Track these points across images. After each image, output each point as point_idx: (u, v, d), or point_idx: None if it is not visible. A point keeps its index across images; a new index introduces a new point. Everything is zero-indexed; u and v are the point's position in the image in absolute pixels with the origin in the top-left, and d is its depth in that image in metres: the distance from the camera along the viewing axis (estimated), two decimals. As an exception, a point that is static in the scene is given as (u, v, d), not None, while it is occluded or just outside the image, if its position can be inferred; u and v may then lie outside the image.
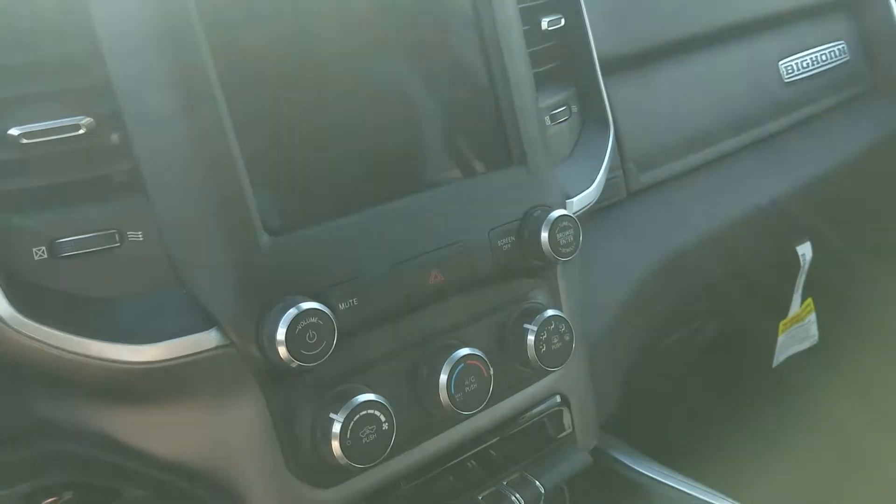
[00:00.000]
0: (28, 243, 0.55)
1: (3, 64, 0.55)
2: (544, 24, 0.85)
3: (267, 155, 0.61)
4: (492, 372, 0.68)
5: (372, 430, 0.60)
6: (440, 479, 0.72)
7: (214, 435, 0.61)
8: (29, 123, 0.55)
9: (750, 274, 1.22)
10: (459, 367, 0.66)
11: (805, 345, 1.40)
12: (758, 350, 1.36)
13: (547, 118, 0.85)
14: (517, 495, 0.73)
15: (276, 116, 0.62)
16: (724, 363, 1.32)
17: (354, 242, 0.64)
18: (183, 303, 0.58)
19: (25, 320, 0.53)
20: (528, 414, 0.78)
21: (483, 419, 0.73)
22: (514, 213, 0.72)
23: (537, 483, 0.75)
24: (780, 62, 1.21)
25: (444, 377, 0.66)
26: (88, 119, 0.57)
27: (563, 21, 0.87)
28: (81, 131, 0.56)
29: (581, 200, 0.82)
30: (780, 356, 1.37)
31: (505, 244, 0.71)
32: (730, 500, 0.81)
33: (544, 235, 0.71)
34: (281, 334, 0.57)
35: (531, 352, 0.71)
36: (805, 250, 1.28)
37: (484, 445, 0.75)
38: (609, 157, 0.88)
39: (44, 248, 0.56)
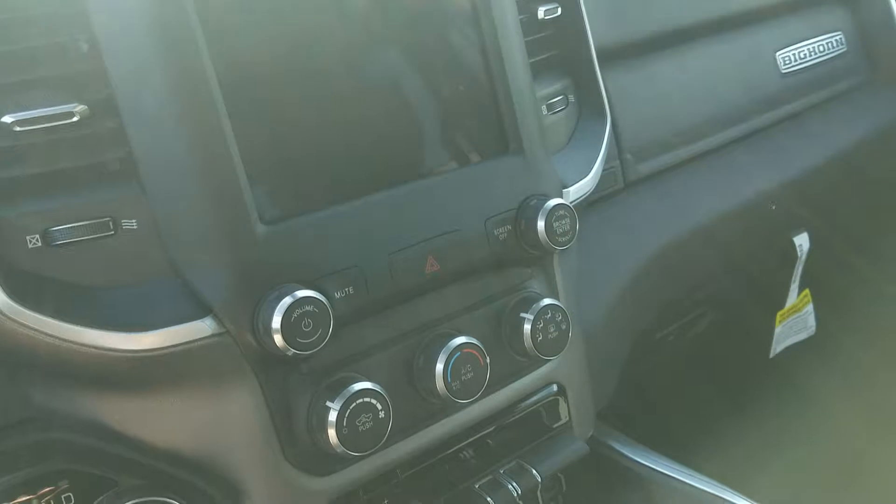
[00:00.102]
0: (22, 231, 0.55)
1: (-4, 51, 0.55)
2: (541, 13, 0.85)
3: (262, 144, 0.60)
4: (488, 361, 0.68)
5: (368, 418, 0.60)
6: (437, 468, 0.73)
7: (210, 423, 0.61)
8: (22, 111, 0.55)
9: (747, 265, 1.22)
10: (456, 355, 0.66)
11: (802, 335, 1.40)
12: (755, 341, 1.36)
13: (544, 107, 0.85)
14: (514, 483, 0.73)
15: (272, 105, 0.61)
16: (722, 354, 1.32)
17: (350, 231, 0.64)
18: (178, 291, 0.58)
19: (20, 308, 0.53)
20: (524, 403, 0.78)
21: (480, 408, 0.73)
22: (510, 202, 0.72)
23: (534, 471, 0.75)
24: (777, 53, 1.20)
25: (440, 366, 0.66)
26: (82, 106, 0.56)
27: (559, 10, 0.87)
28: (75, 119, 0.56)
29: (578, 190, 0.82)
30: (777, 347, 1.37)
31: (501, 233, 0.71)
32: (726, 488, 0.82)
33: (541, 224, 0.71)
34: (276, 322, 0.57)
35: (528, 341, 0.71)
36: (802, 241, 1.28)
37: (480, 434, 0.75)
38: (606, 147, 0.88)
39: (38, 236, 0.56)
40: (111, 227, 0.57)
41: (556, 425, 0.81)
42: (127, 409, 0.60)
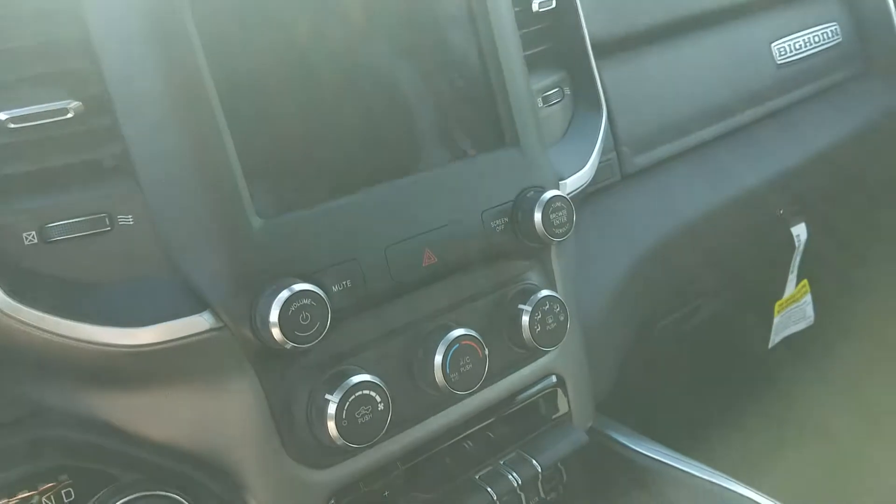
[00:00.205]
0: (18, 228, 0.55)
1: (-11, 48, 0.55)
2: (535, 5, 0.85)
3: (258, 138, 0.60)
4: (487, 352, 0.68)
5: (367, 410, 0.61)
6: (437, 460, 0.73)
7: (210, 418, 0.61)
8: (16, 108, 0.55)
9: (746, 255, 1.23)
10: (454, 347, 0.66)
11: (801, 325, 1.41)
12: (754, 331, 1.36)
13: (539, 100, 0.85)
14: (514, 474, 0.74)
15: (268, 99, 0.61)
16: (721, 344, 1.32)
17: (347, 225, 0.64)
18: (175, 286, 0.58)
19: (17, 305, 0.53)
20: (523, 394, 0.78)
21: (479, 400, 0.73)
22: (507, 195, 0.72)
23: (534, 461, 0.75)
24: (773, 44, 1.20)
25: (439, 357, 0.66)
26: (76, 103, 0.56)
27: (554, 3, 0.87)
28: (69, 115, 0.56)
29: (574, 181, 0.82)
30: (775, 337, 1.37)
31: (498, 225, 0.71)
32: (726, 477, 0.82)
33: (537, 216, 0.71)
34: (274, 316, 0.57)
35: (526, 332, 0.71)
36: (800, 231, 1.28)
37: (480, 426, 0.75)
38: (602, 139, 0.88)
39: (34, 232, 0.56)
40: (107, 223, 0.57)
41: (555, 416, 0.81)
42: (126, 404, 0.60)
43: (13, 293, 0.53)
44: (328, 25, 0.65)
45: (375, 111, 0.67)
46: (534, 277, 0.77)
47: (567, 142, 0.87)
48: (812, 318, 1.42)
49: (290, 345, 0.57)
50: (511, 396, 0.77)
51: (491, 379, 0.71)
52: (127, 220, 0.58)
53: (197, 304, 0.58)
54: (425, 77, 0.70)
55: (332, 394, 0.60)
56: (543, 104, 0.86)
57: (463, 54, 0.72)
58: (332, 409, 0.60)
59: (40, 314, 0.54)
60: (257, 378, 0.61)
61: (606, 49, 0.97)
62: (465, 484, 0.73)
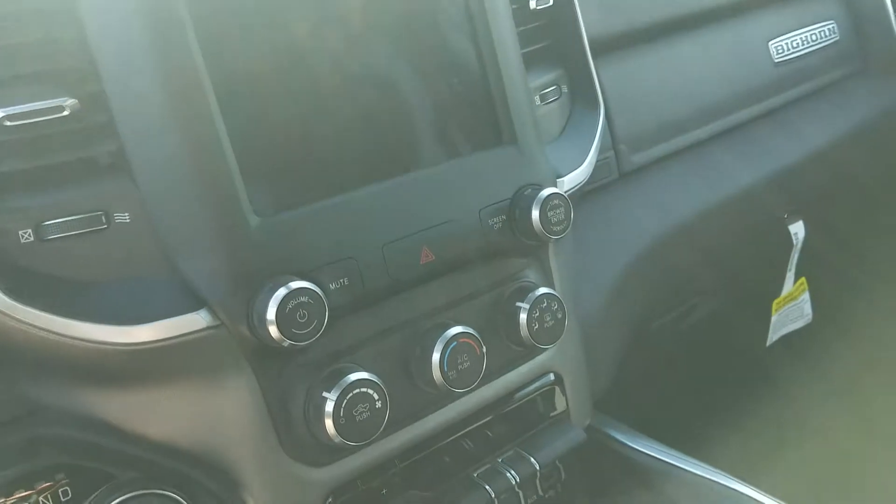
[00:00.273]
0: (14, 226, 0.55)
1: (-16, 46, 0.55)
2: (533, 3, 0.85)
3: (255, 136, 0.60)
4: (485, 350, 0.68)
5: (365, 408, 0.61)
6: (435, 457, 0.73)
7: (207, 416, 0.61)
8: (12, 106, 0.54)
9: (744, 253, 1.23)
10: (452, 345, 0.66)
11: (799, 324, 1.41)
12: (752, 329, 1.36)
13: (537, 98, 0.85)
14: (512, 472, 0.74)
15: (264, 97, 0.61)
16: (719, 343, 1.32)
17: (345, 222, 0.63)
18: (172, 284, 0.58)
19: (13, 303, 0.53)
20: (521, 392, 0.78)
21: (477, 398, 0.73)
22: (504, 192, 0.72)
23: (532, 459, 0.75)
24: (770, 42, 1.21)
25: (436, 355, 0.66)
26: (72, 100, 0.56)
27: (551, 0, 0.87)
28: (65, 112, 0.56)
29: (572, 179, 0.82)
30: (773, 335, 1.37)
31: (496, 223, 0.71)
32: (725, 475, 0.82)
33: (535, 214, 0.71)
34: (271, 314, 0.57)
35: (524, 330, 0.71)
36: (798, 229, 1.28)
37: (478, 423, 0.75)
38: (599, 137, 0.88)
39: (30, 230, 0.56)
40: (104, 220, 0.57)
41: (553, 414, 0.81)
42: (123, 402, 0.60)
43: (9, 291, 0.53)
44: (325, 23, 0.65)
45: (372, 109, 0.67)
46: (531, 275, 0.76)
47: (564, 140, 0.87)
48: (810, 317, 1.42)
49: (287, 343, 0.57)
50: (509, 394, 0.77)
51: (489, 377, 0.71)
52: (123, 217, 0.58)
53: (194, 302, 0.58)
54: (422, 75, 0.70)
55: (329, 392, 0.60)
56: (541, 102, 0.86)
57: (460, 52, 0.72)
58: (329, 406, 0.60)
59: (37, 312, 0.54)
60: (254, 376, 0.61)
61: (604, 47, 0.97)
62: (463, 482, 0.73)
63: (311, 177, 0.63)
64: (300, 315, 0.57)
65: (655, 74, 1.07)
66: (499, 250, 0.73)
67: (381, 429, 0.62)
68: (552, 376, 0.80)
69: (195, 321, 0.58)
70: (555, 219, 0.72)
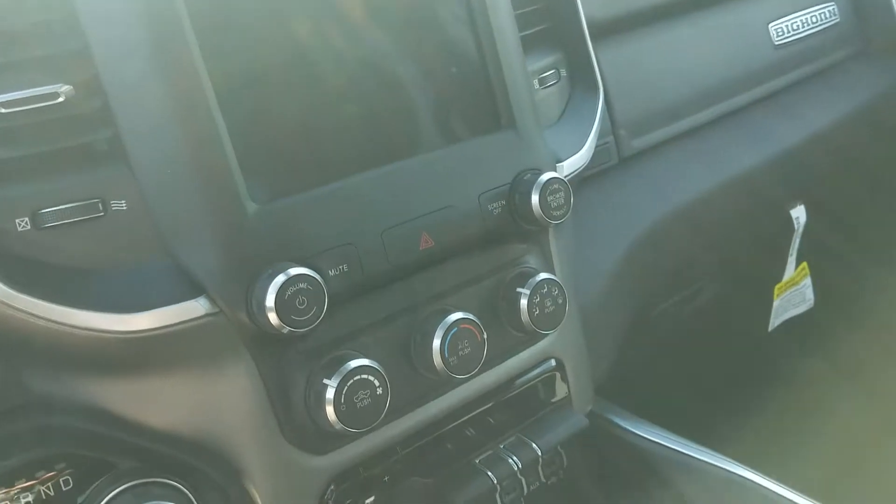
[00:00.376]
0: (11, 214, 0.55)
1: (-23, 32, 0.54)
2: (531, -14, 0.84)
3: (252, 122, 0.60)
4: (485, 336, 0.68)
5: (366, 394, 0.60)
6: (437, 444, 0.73)
7: (207, 404, 0.61)
8: (6, 92, 0.54)
9: (745, 238, 1.22)
10: (453, 331, 0.66)
11: (801, 309, 1.40)
12: (753, 314, 1.36)
13: (535, 82, 0.84)
14: (514, 458, 0.74)
15: (261, 83, 0.61)
16: (720, 328, 1.32)
17: (344, 208, 0.63)
18: (170, 271, 0.58)
19: (11, 292, 0.53)
20: (523, 378, 0.78)
21: (478, 384, 0.73)
22: (504, 177, 0.72)
23: (534, 445, 0.75)
24: (770, 25, 1.20)
25: (437, 341, 0.65)
26: (67, 87, 0.56)
27: (549, -17, 0.86)
28: (61, 99, 0.55)
29: (572, 164, 0.81)
30: (775, 320, 1.37)
31: (495, 208, 0.71)
32: (727, 459, 0.82)
33: (535, 198, 0.71)
34: (270, 300, 0.56)
35: (524, 315, 0.71)
36: (799, 213, 1.28)
37: (480, 410, 0.75)
38: (599, 120, 0.87)
39: (27, 218, 0.55)
40: (100, 208, 0.57)
41: (554, 400, 0.81)
42: (123, 391, 0.60)
43: (7, 280, 0.53)
44: (323, 7, 0.64)
45: (371, 95, 0.66)
46: (532, 260, 0.76)
47: (564, 124, 0.87)
48: (812, 301, 1.42)
49: (286, 329, 0.57)
50: (510, 380, 0.77)
51: (490, 363, 0.71)
52: (120, 205, 0.57)
53: (192, 290, 0.58)
54: (420, 60, 0.69)
55: (330, 378, 0.60)
56: (540, 86, 0.85)
57: (458, 36, 0.72)
58: (330, 393, 0.59)
59: (35, 301, 0.53)
60: (254, 363, 0.61)
61: (603, 30, 0.96)
62: (465, 468, 0.73)
63: (308, 163, 0.63)
64: (299, 302, 0.57)
65: (655, 58, 1.06)
66: (499, 236, 0.73)
67: (383, 415, 0.61)
68: (553, 362, 0.80)
69: (194, 308, 0.57)
70: (554, 203, 0.71)
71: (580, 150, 0.83)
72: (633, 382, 0.99)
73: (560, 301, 0.73)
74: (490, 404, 0.76)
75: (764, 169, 1.15)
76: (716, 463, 0.81)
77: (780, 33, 1.20)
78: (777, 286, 1.34)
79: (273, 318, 0.57)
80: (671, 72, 1.07)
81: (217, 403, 0.61)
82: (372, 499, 0.69)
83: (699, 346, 1.29)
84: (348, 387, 0.60)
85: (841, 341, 1.43)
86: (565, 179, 0.73)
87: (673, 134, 1.07)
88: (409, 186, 0.67)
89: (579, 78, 0.89)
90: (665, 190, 1.05)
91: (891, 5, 1.30)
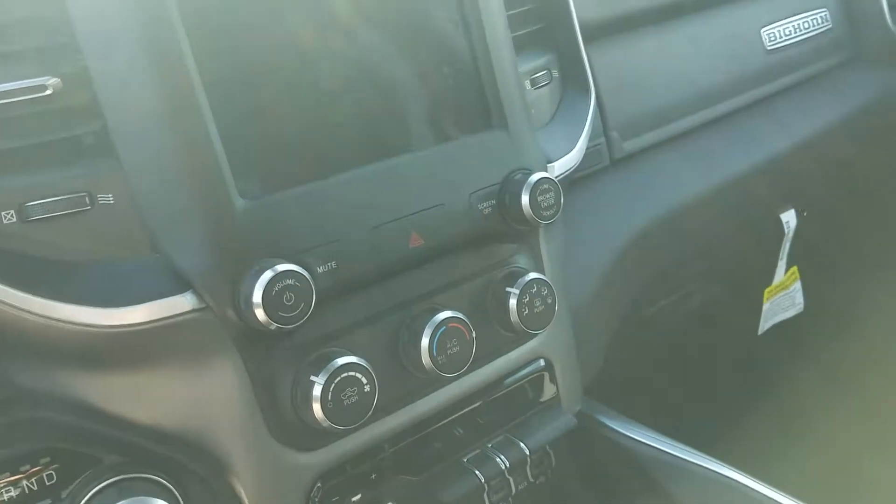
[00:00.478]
0: None
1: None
2: (523, -14, 0.85)
3: (241, 118, 0.60)
4: (474, 335, 0.68)
5: (353, 392, 0.60)
6: (425, 443, 0.72)
7: (194, 400, 0.60)
8: None
9: (736, 241, 1.23)
10: (441, 329, 0.66)
11: (790, 313, 1.41)
12: (743, 317, 1.36)
13: (527, 82, 0.84)
14: (502, 457, 0.74)
15: (250, 79, 0.61)
16: (710, 331, 1.32)
17: (333, 205, 0.63)
18: (157, 266, 0.58)
19: (-4, 284, 0.53)
20: (511, 378, 0.78)
21: (467, 383, 0.73)
22: (494, 177, 0.72)
23: (522, 444, 0.75)
24: (763, 30, 1.20)
25: (426, 340, 0.65)
26: (55, 79, 0.55)
27: (542, -16, 0.86)
28: (48, 92, 0.55)
29: (563, 164, 0.81)
30: (765, 324, 1.37)
31: (486, 208, 0.71)
32: (715, 461, 0.82)
33: (525, 198, 0.71)
34: (257, 296, 0.56)
35: (513, 315, 0.71)
36: (789, 218, 1.28)
37: (468, 409, 0.75)
38: (591, 122, 0.87)
39: (13, 211, 0.55)
40: (87, 201, 0.57)
41: (543, 400, 0.81)
42: (109, 386, 0.59)
43: (-8, 273, 0.53)
44: (314, 7, 0.64)
45: (361, 92, 0.66)
46: (522, 260, 0.76)
47: (555, 125, 0.87)
48: (802, 306, 1.42)
49: (274, 326, 0.57)
50: (499, 380, 0.77)
51: (478, 362, 0.71)
52: (107, 198, 0.57)
53: (179, 285, 0.57)
54: (411, 58, 0.69)
55: (317, 375, 0.60)
56: (531, 86, 0.85)
57: (450, 35, 0.72)
58: (317, 390, 0.59)
59: (20, 293, 0.53)
60: (241, 360, 0.60)
61: (596, 32, 0.97)
62: (452, 467, 0.73)
63: (298, 159, 0.63)
64: (287, 298, 0.57)
65: (648, 61, 1.07)
66: (488, 235, 0.73)
67: (370, 413, 0.61)
68: (542, 362, 0.80)
69: (180, 304, 0.57)
70: (545, 203, 0.72)
71: (571, 150, 0.83)
72: (622, 383, 0.99)
73: (549, 301, 0.73)
74: (478, 403, 0.76)
75: (755, 173, 1.15)
76: (703, 464, 0.81)
77: (773, 38, 1.21)
78: (767, 290, 1.35)
79: (260, 314, 0.56)
80: (664, 75, 1.08)
81: (203, 399, 0.61)
82: (359, 497, 0.69)
83: (689, 348, 1.29)
84: (335, 384, 0.59)
85: (830, 345, 1.43)
86: (556, 180, 0.73)
87: (665, 137, 1.07)
88: (398, 184, 0.67)
89: (571, 79, 0.90)
90: (656, 193, 1.05)
91: (883, 13, 1.31)
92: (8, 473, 0.57)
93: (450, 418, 0.74)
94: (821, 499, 0.74)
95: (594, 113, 0.89)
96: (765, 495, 0.76)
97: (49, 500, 0.58)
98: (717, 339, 1.35)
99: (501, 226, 0.72)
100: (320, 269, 0.61)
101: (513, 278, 0.72)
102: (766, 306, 1.36)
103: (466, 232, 0.70)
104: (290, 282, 0.57)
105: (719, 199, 1.11)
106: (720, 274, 1.27)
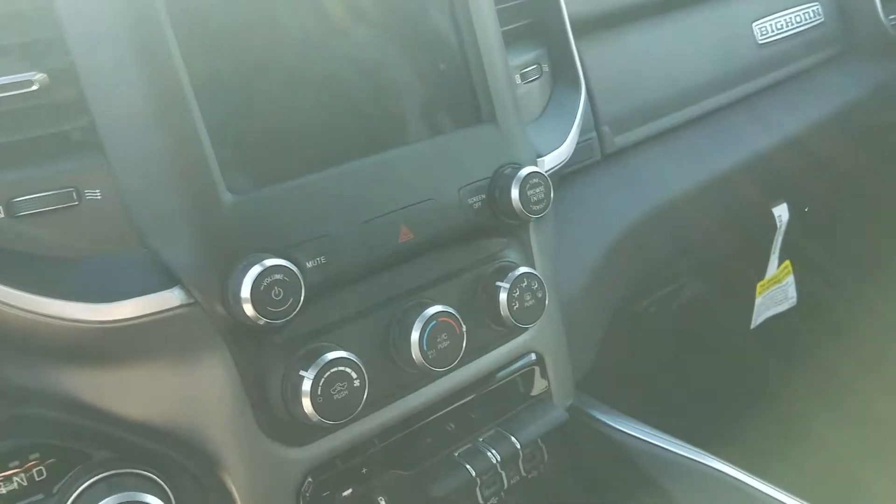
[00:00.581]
0: None
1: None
2: (512, -20, 0.84)
3: (228, 112, 0.60)
4: (464, 329, 0.68)
5: (343, 386, 0.60)
6: (416, 437, 0.72)
7: (183, 395, 0.60)
8: None
9: (728, 235, 1.23)
10: (431, 324, 0.66)
11: (783, 306, 1.41)
12: (736, 312, 1.37)
13: (517, 77, 0.84)
14: (493, 451, 0.74)
15: (238, 73, 0.61)
16: (703, 325, 1.33)
17: (322, 200, 0.63)
18: (145, 261, 0.58)
19: (-17, 281, 0.52)
20: (502, 372, 0.78)
21: (457, 377, 0.73)
22: (484, 171, 0.72)
23: (513, 438, 0.75)
24: (754, 23, 1.20)
25: (416, 334, 0.65)
26: (41, 75, 0.55)
27: (531, -22, 0.86)
28: (35, 87, 0.55)
29: (553, 159, 0.81)
30: (757, 318, 1.38)
31: (475, 202, 0.71)
32: (706, 454, 0.82)
33: (514, 192, 0.71)
34: (246, 291, 0.56)
35: (504, 309, 0.71)
36: (781, 212, 1.28)
37: (459, 403, 0.75)
38: (581, 116, 0.87)
39: (0, 207, 0.55)
40: (75, 197, 0.56)
41: (534, 394, 0.81)
42: (99, 382, 0.59)
43: (-21, 269, 0.53)
44: (303, 2, 0.64)
45: (350, 86, 0.66)
46: (512, 255, 0.76)
47: (545, 119, 0.87)
48: (794, 300, 1.43)
49: (262, 321, 0.57)
50: (490, 374, 0.77)
51: (469, 356, 0.71)
52: (95, 194, 0.57)
53: (167, 280, 0.57)
54: (401, 52, 0.69)
55: (306, 370, 0.60)
56: (521, 81, 0.85)
57: (439, 29, 0.72)
58: (307, 385, 0.59)
59: (8, 289, 0.53)
60: (230, 355, 0.60)
61: (587, 27, 0.97)
62: (443, 461, 0.73)
63: (286, 154, 0.63)
64: (275, 293, 0.57)
65: (640, 55, 1.07)
66: (478, 229, 0.73)
67: (360, 408, 0.61)
68: (533, 356, 0.80)
69: (168, 299, 0.57)
70: (534, 198, 0.72)
71: (561, 145, 0.83)
72: (614, 377, 0.99)
73: (539, 295, 0.73)
74: (469, 398, 0.76)
75: (747, 167, 1.16)
76: (695, 458, 0.82)
77: (765, 32, 1.21)
78: (759, 283, 1.35)
79: (248, 309, 0.56)
80: (655, 69, 1.08)
81: (193, 394, 0.61)
82: (350, 491, 0.69)
83: (681, 342, 1.30)
84: (325, 379, 0.60)
85: (823, 339, 1.44)
86: (545, 174, 0.73)
87: (657, 131, 1.07)
88: (388, 179, 0.67)
89: (562, 74, 0.90)
90: (648, 187, 1.06)
91: (875, 7, 1.31)
92: (-2, 470, 0.57)
93: (441, 413, 0.74)
94: (810, 495, 0.75)
95: (584, 107, 0.89)
96: (755, 488, 0.76)
97: (40, 496, 0.58)
98: (710, 333, 1.35)
99: (491, 220, 0.72)
100: (309, 264, 0.61)
101: (503, 272, 0.73)
102: (758, 300, 1.36)
103: (456, 226, 0.70)
104: (278, 277, 0.57)
105: (711, 194, 1.11)
106: (712, 268, 1.27)
